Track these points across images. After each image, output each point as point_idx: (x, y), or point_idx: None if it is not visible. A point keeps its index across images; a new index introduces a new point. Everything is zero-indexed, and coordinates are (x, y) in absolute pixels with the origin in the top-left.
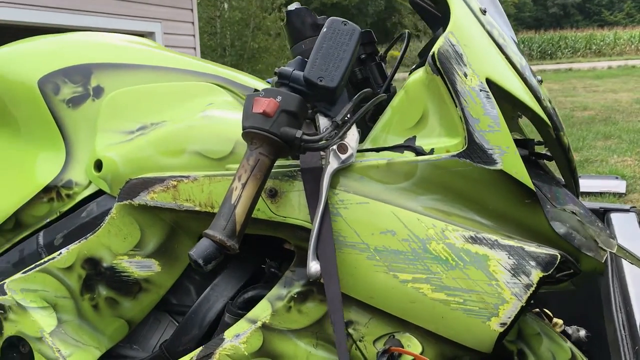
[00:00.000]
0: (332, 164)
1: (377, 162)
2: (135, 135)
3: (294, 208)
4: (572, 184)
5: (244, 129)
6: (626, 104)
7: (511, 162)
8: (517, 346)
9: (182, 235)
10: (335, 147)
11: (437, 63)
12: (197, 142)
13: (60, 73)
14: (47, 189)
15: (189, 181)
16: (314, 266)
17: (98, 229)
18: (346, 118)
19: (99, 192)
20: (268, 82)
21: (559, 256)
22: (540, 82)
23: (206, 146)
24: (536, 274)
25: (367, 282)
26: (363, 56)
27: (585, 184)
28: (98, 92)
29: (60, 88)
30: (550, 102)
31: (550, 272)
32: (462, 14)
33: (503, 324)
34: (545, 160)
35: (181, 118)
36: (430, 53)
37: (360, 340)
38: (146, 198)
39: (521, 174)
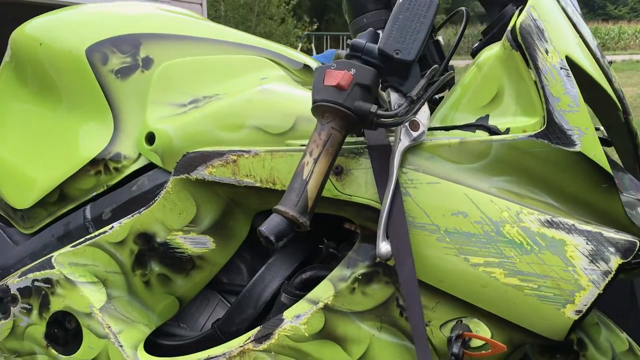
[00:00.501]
0: (404, 142)
1: (449, 141)
2: (188, 108)
3: (360, 186)
4: (636, 170)
5: (314, 102)
6: (630, 99)
7: (590, 144)
8: (576, 335)
9: (238, 211)
10: (407, 123)
11: (519, 37)
12: (256, 116)
13: (109, 42)
14: (94, 162)
15: (249, 156)
16: (384, 247)
17: (152, 204)
18: (421, 94)
19: (149, 166)
20: (315, 59)
21: (639, 243)
22: (610, 63)
23: (266, 121)
24: (615, 261)
25: (436, 265)
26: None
27: None
28: (147, 63)
29: (109, 58)
30: (619, 85)
31: (629, 259)
32: None
33: (578, 312)
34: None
35: (235, 92)
36: (510, 27)
37: (426, 325)
38: (204, 172)
39: (599, 156)
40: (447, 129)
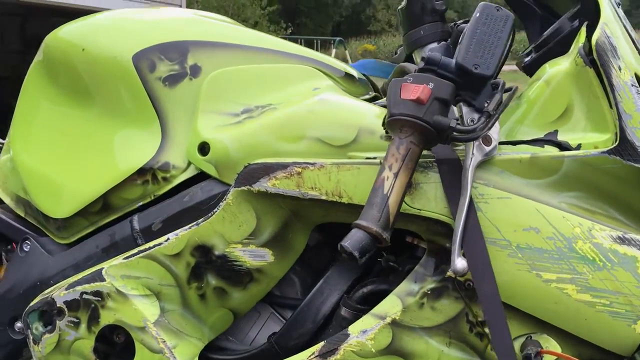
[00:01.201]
0: (477, 156)
1: (520, 156)
2: (242, 118)
3: (429, 200)
4: None
5: (391, 115)
6: None
7: None
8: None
9: (298, 224)
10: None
11: (594, 54)
12: (317, 127)
13: (156, 49)
14: (141, 171)
15: (314, 168)
16: (460, 262)
17: (211, 216)
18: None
19: (199, 176)
20: (352, 66)
21: None
22: None
23: (327, 132)
24: None
25: (507, 281)
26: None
27: None
28: (195, 71)
29: (156, 65)
30: None
31: None
32: (608, 4)
33: None
34: None
35: (289, 102)
36: (581, 43)
37: None
38: (267, 184)
39: None
40: (515, 143)
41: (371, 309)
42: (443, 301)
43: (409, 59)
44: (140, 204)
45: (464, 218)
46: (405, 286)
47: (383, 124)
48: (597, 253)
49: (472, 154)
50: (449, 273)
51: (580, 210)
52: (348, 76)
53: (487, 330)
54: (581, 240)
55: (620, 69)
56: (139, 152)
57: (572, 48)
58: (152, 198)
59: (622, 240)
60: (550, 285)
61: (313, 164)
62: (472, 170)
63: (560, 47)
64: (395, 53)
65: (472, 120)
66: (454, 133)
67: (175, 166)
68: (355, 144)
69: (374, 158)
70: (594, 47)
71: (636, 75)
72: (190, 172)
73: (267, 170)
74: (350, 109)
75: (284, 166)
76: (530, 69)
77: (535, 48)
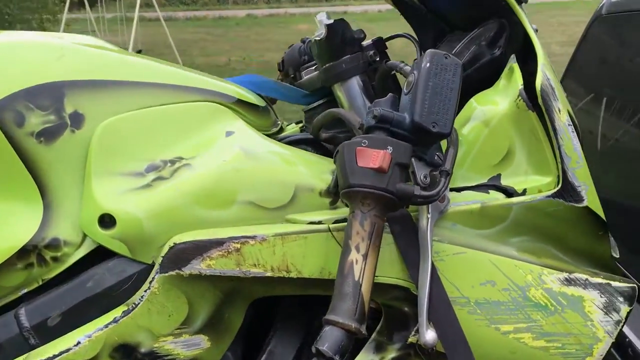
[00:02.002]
0: (433, 215)
1: (471, 207)
2: (149, 179)
3: (385, 264)
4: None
5: (351, 186)
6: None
7: (592, 197)
8: None
9: (236, 301)
10: None
11: (540, 100)
12: (248, 189)
13: (22, 96)
14: (23, 252)
15: (255, 242)
16: (429, 334)
17: (133, 309)
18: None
19: (101, 253)
20: (235, 82)
21: (637, 287)
22: None
23: (260, 194)
24: (624, 309)
25: (469, 338)
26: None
27: None
28: (77, 120)
29: (25, 117)
30: None
31: (633, 305)
32: (539, 41)
33: None
34: None
35: (202, 154)
36: (520, 86)
37: None
38: (200, 266)
39: (598, 206)
40: (459, 190)
41: None
42: None
43: (323, 89)
44: (26, 291)
45: (429, 285)
46: (364, 356)
47: (333, 191)
48: (548, 298)
49: (429, 213)
50: (411, 339)
51: (529, 255)
52: (240, 102)
53: None
54: (533, 287)
55: (560, 111)
56: (15, 229)
57: (502, 83)
58: (41, 283)
59: (569, 282)
60: (508, 337)
61: (253, 238)
62: (431, 232)
63: (477, 74)
64: (293, 76)
65: (425, 177)
66: (419, 198)
67: (67, 242)
68: (292, 204)
69: (319, 222)
70: (539, 93)
71: (569, 112)
72: (87, 248)
73: (199, 249)
74: (282, 162)
75: (219, 243)
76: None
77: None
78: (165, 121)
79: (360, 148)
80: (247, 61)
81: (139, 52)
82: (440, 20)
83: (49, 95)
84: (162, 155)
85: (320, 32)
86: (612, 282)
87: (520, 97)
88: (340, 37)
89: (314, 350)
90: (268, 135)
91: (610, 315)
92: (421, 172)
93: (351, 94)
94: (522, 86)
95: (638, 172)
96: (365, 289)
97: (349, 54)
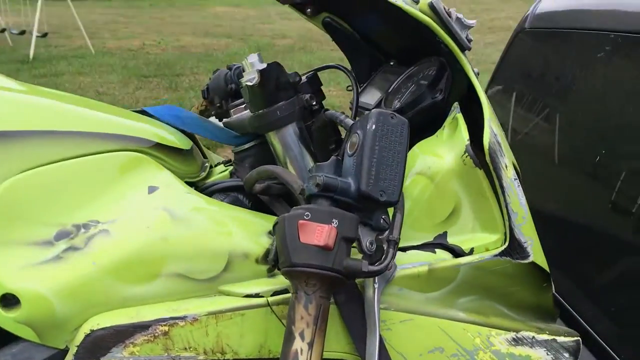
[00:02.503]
0: (380, 284)
1: (418, 270)
2: (60, 249)
3: (329, 337)
4: None
5: (293, 265)
6: (319, 34)
7: (537, 251)
8: None
9: None
10: None
11: (487, 157)
12: (176, 260)
13: None
14: None
15: (186, 323)
16: None
17: None
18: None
19: (3, 336)
20: (153, 113)
21: (579, 339)
22: None
23: (190, 265)
24: None
25: None
26: (316, 107)
27: None
28: None
29: None
30: None
31: (578, 358)
32: (484, 95)
33: None
34: None
35: (121, 216)
36: (467, 142)
37: None
38: (122, 354)
39: (543, 260)
40: (404, 249)
41: None
42: None
43: (255, 135)
44: None
45: (378, 358)
46: None
47: (272, 262)
48: None
49: (375, 283)
50: None
51: (476, 315)
52: (160, 146)
53: None
54: (482, 350)
55: (506, 167)
56: None
57: (446, 133)
58: None
59: (517, 341)
60: None
61: (183, 319)
62: (378, 302)
63: (418, 117)
64: (219, 105)
65: (371, 243)
66: (367, 273)
67: None
68: (226, 273)
69: (257, 295)
70: (487, 151)
71: (514, 164)
72: None
73: (121, 335)
74: (213, 225)
75: (143, 327)
76: None
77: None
78: (75, 177)
79: (303, 222)
80: (163, 45)
81: (45, 35)
82: (374, 49)
83: None
84: (74, 219)
85: (252, 77)
86: (557, 338)
87: (466, 154)
88: (275, 82)
89: None
90: (195, 183)
91: None
92: (366, 238)
93: (287, 143)
94: (469, 141)
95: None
96: None
97: (283, 100)
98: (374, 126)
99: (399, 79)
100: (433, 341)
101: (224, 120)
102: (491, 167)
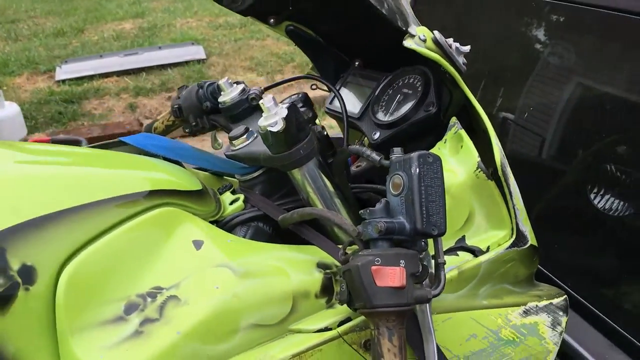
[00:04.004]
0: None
1: (450, 275)
2: (134, 322)
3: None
4: None
5: (375, 307)
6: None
7: (532, 234)
8: None
9: None
10: None
11: (500, 173)
12: (249, 314)
13: None
14: None
15: None
16: None
17: None
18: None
19: None
20: (133, 142)
21: (566, 296)
22: None
23: (262, 314)
24: (564, 320)
25: None
26: (311, 125)
27: (166, 55)
28: (28, 275)
29: None
30: None
31: (568, 313)
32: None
33: None
34: None
35: (183, 280)
36: (478, 159)
37: None
38: None
39: (534, 238)
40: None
41: None
42: None
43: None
44: None
45: None
46: None
47: (345, 301)
48: (515, 333)
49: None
50: None
51: (494, 299)
52: (179, 193)
53: None
54: (503, 328)
55: (511, 174)
56: None
57: (449, 146)
58: None
59: (526, 313)
60: None
61: None
62: (431, 315)
63: (411, 128)
64: (195, 124)
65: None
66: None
67: None
68: (293, 314)
69: (326, 329)
70: (499, 167)
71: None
72: None
73: None
74: (272, 271)
75: None
76: (379, 147)
77: (381, 126)
78: (124, 247)
79: (376, 267)
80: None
81: None
82: (338, 50)
83: None
84: (137, 289)
85: (275, 123)
86: (552, 301)
87: (479, 169)
88: (296, 125)
89: None
90: (217, 222)
91: (555, 329)
92: None
93: (311, 176)
94: (479, 159)
95: None
96: None
97: (302, 138)
98: (417, 170)
99: (377, 87)
100: (468, 330)
101: (228, 153)
102: (502, 179)
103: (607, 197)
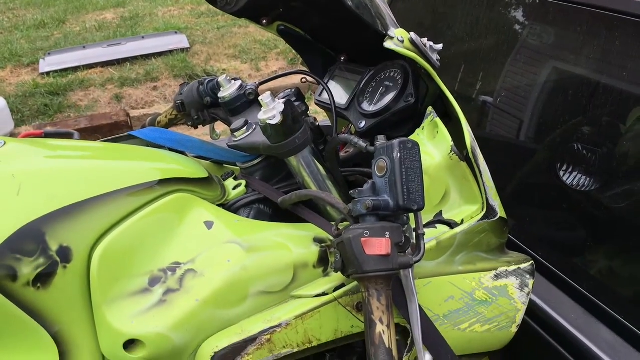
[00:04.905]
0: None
1: (429, 245)
2: (158, 292)
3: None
4: None
5: (365, 272)
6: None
7: (501, 207)
8: None
9: None
10: None
11: (471, 155)
12: (256, 283)
13: (5, 248)
14: None
15: (282, 329)
16: (427, 356)
17: None
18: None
19: None
20: (142, 136)
21: (533, 261)
22: None
23: (267, 283)
24: (531, 282)
25: None
26: (304, 117)
27: (150, 45)
28: (65, 255)
29: (17, 270)
30: None
31: (535, 276)
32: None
33: (518, 325)
34: None
35: (198, 255)
36: (452, 143)
37: None
38: None
39: (503, 212)
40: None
41: None
42: None
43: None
44: None
45: (420, 318)
46: None
47: (338, 269)
48: (487, 294)
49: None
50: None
51: (469, 265)
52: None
53: None
54: (477, 290)
55: (480, 155)
56: None
57: (426, 133)
58: None
59: (497, 277)
60: (466, 332)
61: (279, 326)
62: (414, 279)
63: (393, 117)
64: (197, 117)
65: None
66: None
67: None
68: (294, 282)
69: (324, 293)
70: (469, 149)
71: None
72: None
73: (238, 350)
74: (274, 245)
75: (252, 340)
76: (365, 134)
77: (366, 116)
78: (146, 229)
79: (365, 239)
80: None
81: None
82: (326, 47)
83: (29, 238)
84: (158, 265)
85: (273, 116)
86: (520, 266)
87: (453, 152)
88: (291, 117)
89: None
90: (222, 205)
91: (523, 290)
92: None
93: (306, 162)
94: (453, 143)
95: None
96: (395, 351)
97: (298, 129)
98: (399, 154)
99: (362, 80)
100: (446, 293)
101: (230, 143)
102: (473, 160)
103: (574, 173)
